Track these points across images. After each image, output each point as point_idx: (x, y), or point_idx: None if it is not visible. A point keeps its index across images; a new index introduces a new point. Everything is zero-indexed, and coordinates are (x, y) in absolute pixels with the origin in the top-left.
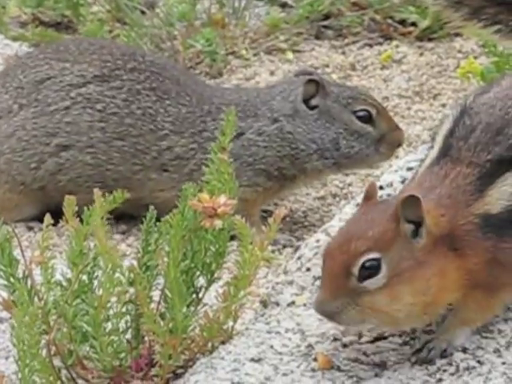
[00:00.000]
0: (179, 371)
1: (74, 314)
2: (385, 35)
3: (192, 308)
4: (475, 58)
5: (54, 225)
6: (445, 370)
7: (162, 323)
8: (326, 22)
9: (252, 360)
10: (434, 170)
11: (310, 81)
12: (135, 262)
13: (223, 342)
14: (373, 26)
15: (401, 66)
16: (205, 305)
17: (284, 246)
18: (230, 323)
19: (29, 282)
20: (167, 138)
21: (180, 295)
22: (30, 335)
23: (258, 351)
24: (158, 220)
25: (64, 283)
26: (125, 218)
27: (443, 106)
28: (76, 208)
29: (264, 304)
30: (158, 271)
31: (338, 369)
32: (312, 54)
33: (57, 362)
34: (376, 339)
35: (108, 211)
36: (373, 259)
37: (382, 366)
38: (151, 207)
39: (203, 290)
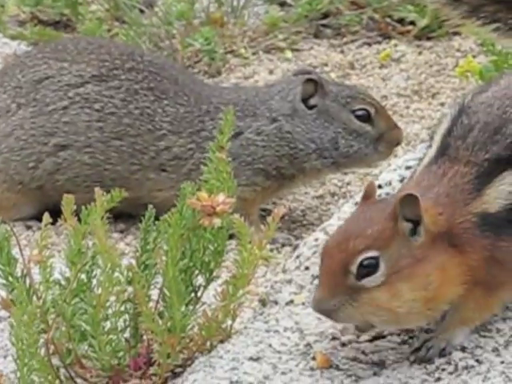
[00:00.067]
0: (178, 370)
1: (73, 313)
2: (383, 34)
3: (190, 307)
4: (474, 56)
5: (53, 224)
6: (443, 369)
7: (160, 322)
8: (324, 21)
9: (251, 359)
10: (432, 168)
11: (309, 80)
12: (134, 261)
13: (222, 341)
14: (371, 25)
15: (399, 64)
16: (203, 304)
17: (283, 245)
18: (229, 322)
19: (27, 281)
20: (165, 137)
21: (178, 294)
22: (29, 334)
23: (257, 350)
24: (156, 219)
25: (62, 282)
26: (123, 216)
27: (442, 104)
28: (74, 207)
29: (263, 303)
30: (156, 270)
31: (337, 368)
32: (311, 53)
33: (55, 360)
34: (375, 338)
35: (106, 210)
36: (371, 257)
37: (381, 364)
38: (150, 206)
39: (202, 288)
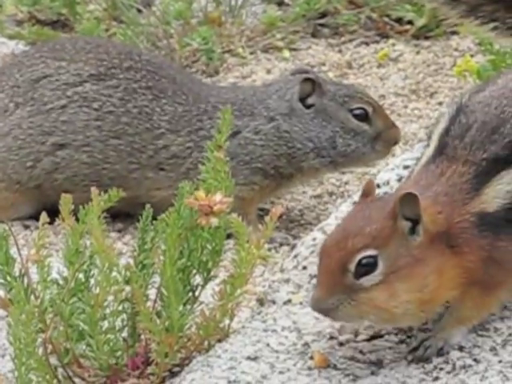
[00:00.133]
0: (175, 369)
1: (71, 313)
2: (381, 33)
3: (188, 306)
4: (472, 56)
5: (51, 223)
6: (441, 369)
7: (158, 321)
8: (322, 21)
9: (248, 358)
10: (430, 168)
11: (307, 79)
12: (131, 261)
13: (219, 341)
14: (369, 25)
15: (397, 64)
16: (201, 303)
17: (280, 245)
18: (227, 321)
19: (25, 281)
20: (163, 136)
21: (176, 293)
22: (27, 333)
23: (255, 349)
24: (154, 218)
25: (60, 281)
26: (121, 216)
27: (440, 104)
28: (72, 206)
29: (260, 302)
30: (154, 269)
31: (335, 367)
32: (308, 53)
33: (53, 360)
34: (372, 337)
35: (104, 210)
36: (369, 256)
37: (379, 364)
38: (147, 205)
39: (199, 288)
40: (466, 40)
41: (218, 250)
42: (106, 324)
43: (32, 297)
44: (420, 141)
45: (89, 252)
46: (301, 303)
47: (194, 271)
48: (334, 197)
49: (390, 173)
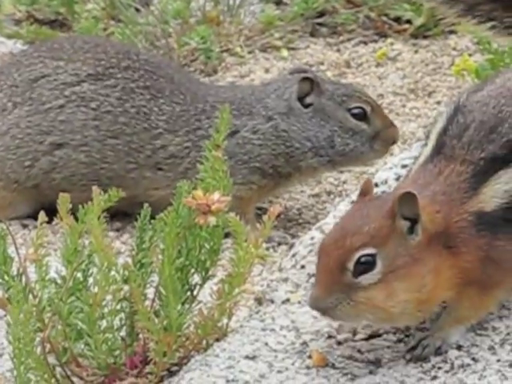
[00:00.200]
0: (174, 369)
1: (69, 312)
2: (379, 33)
3: (186, 305)
4: (470, 55)
5: (49, 222)
6: (439, 368)
7: (156, 321)
8: (320, 20)
9: (247, 357)
10: (428, 167)
11: (305, 79)
12: (130, 260)
13: (218, 340)
14: (367, 24)
15: (395, 63)
16: (199, 302)
17: (279, 244)
18: (225, 321)
19: (23, 280)
20: (161, 136)
21: (174, 293)
22: (25, 333)
23: (253, 348)
24: (152, 218)
25: (58, 281)
26: (119, 215)
27: (438, 103)
28: (70, 206)
29: (259, 301)
30: (152, 269)
31: (333, 366)
32: (307, 52)
33: (51, 359)
34: (370, 337)
35: (103, 209)
36: (368, 255)
37: (377, 363)
38: (146, 205)
39: (198, 287)
40: (464, 39)
41: (216, 249)
42: (104, 323)
43: (30, 296)
44: (418, 140)
45: (87, 251)
46: (299, 302)
47: (192, 270)
48: (332, 196)
49: (388, 172)
